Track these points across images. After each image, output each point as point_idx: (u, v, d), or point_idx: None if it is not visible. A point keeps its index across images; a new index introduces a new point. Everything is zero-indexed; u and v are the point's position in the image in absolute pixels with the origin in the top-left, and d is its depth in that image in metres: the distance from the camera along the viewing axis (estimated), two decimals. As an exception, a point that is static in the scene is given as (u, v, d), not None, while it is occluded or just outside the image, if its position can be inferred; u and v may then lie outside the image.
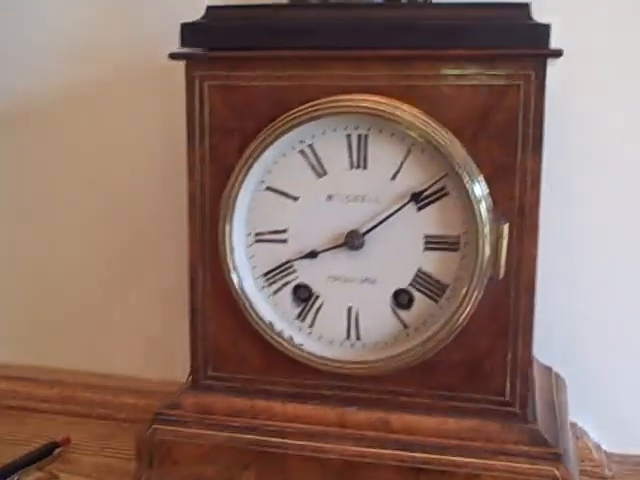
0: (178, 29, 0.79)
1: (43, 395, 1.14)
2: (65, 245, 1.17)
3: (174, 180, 1.00)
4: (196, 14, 0.80)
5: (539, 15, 0.74)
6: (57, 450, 1.01)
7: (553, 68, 0.76)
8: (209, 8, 0.80)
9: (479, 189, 0.75)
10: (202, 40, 0.79)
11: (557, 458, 0.76)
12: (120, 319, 1.16)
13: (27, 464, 0.97)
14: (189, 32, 0.79)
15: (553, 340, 1.01)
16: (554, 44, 0.73)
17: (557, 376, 0.96)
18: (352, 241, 0.80)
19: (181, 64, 0.80)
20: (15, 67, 1.14)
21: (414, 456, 0.78)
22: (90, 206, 1.14)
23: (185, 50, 0.79)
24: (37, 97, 1.13)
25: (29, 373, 1.18)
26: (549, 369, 0.96)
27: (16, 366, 1.20)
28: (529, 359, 0.78)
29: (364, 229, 0.79)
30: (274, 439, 0.81)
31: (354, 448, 0.80)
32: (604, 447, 1.02)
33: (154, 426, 0.84)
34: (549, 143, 0.90)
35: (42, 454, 0.99)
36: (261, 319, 0.82)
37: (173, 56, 0.80)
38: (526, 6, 0.74)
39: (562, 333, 1.01)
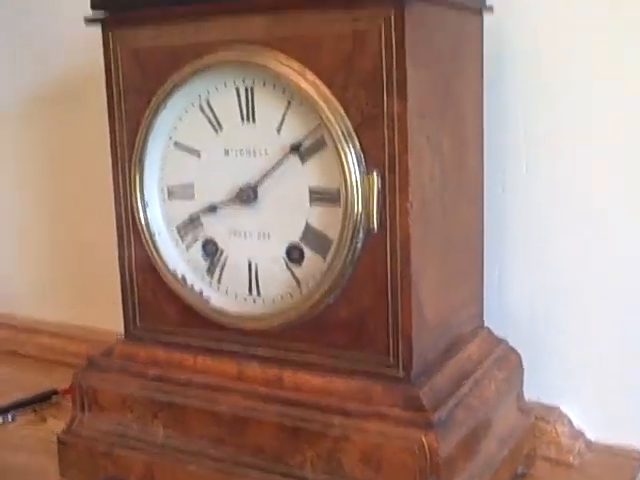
0: None
1: (74, 350, 1.23)
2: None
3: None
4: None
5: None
6: (55, 397, 1.10)
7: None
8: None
9: (349, 139, 0.73)
10: (109, 2, 0.83)
11: (429, 425, 0.71)
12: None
13: (23, 405, 1.07)
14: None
15: (536, 320, 0.95)
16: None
17: (506, 350, 0.89)
18: (243, 195, 0.80)
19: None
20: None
21: (294, 414, 0.77)
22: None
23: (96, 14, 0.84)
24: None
25: (65, 330, 1.29)
26: (500, 341, 0.89)
27: (53, 323, 1.33)
28: (409, 320, 0.74)
29: (255, 182, 0.80)
30: (178, 389, 0.84)
31: (244, 402, 0.80)
32: (589, 436, 0.93)
33: (83, 372, 0.89)
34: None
35: (39, 398, 1.09)
36: (173, 273, 0.85)
37: (88, 20, 0.84)
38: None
39: (547, 313, 0.94)
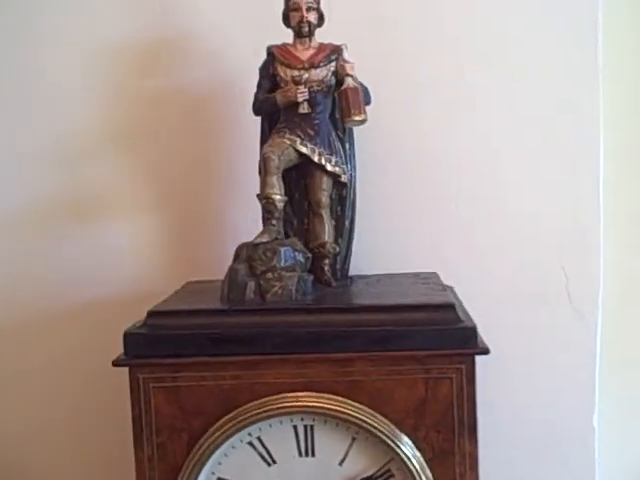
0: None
1: None
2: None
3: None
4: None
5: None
6: None
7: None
8: (150, 314, 0.82)
9: (422, 473, 0.80)
10: (145, 349, 0.81)
11: None
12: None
13: None
14: (132, 342, 0.81)
15: None
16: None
17: None
18: (310, 525, 0.83)
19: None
20: None
21: None
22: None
23: (127, 358, 0.81)
24: None
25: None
26: None
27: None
28: None
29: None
30: None
31: None
32: None
33: None
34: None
35: None
36: None
37: (116, 363, 0.81)
38: (452, 307, 0.80)
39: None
